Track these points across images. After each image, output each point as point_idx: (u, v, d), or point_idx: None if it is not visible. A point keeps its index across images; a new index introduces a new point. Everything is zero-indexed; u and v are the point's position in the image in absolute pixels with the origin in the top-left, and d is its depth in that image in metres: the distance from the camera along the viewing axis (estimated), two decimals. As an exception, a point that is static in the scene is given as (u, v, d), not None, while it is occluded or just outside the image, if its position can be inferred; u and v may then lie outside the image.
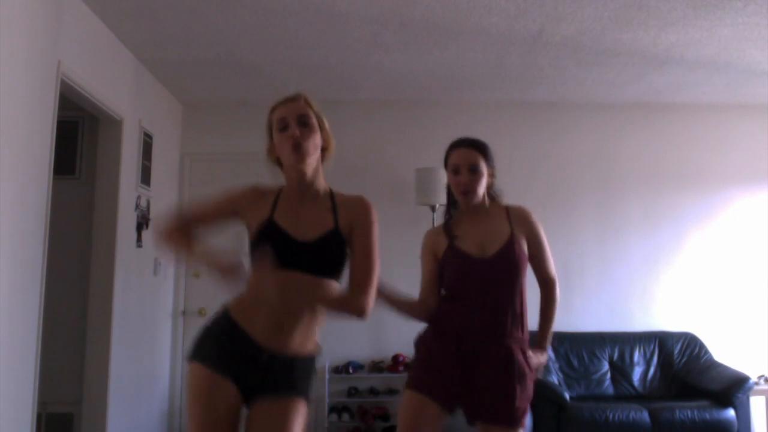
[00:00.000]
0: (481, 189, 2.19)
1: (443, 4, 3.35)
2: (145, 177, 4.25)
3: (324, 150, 1.92)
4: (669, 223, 5.11)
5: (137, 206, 4.11)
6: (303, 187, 1.87)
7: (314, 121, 1.91)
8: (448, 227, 2.23)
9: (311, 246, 1.78)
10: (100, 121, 3.85)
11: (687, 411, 4.09)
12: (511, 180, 4.97)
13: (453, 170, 2.20)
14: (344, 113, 5.16)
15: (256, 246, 1.79)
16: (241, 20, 3.55)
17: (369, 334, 4.80)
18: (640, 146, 5.18)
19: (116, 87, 3.79)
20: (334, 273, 1.84)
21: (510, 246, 2.14)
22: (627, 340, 4.77)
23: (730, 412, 4.11)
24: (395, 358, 4.73)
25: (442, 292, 2.24)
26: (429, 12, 3.45)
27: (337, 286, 1.84)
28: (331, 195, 1.91)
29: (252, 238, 1.84)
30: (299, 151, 1.81)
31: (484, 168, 2.19)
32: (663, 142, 5.19)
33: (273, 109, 1.94)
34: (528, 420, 3.98)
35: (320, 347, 1.95)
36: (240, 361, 1.77)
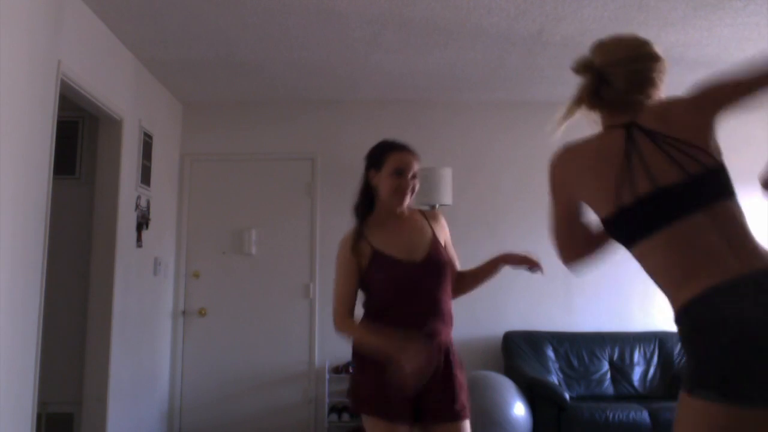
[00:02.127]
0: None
1: (443, 4, 3.35)
2: (145, 177, 4.25)
3: None
4: (669, 223, 5.10)
5: (137, 206, 4.11)
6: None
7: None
8: (362, 233, 2.15)
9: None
10: (100, 121, 3.85)
11: (687, 411, 4.09)
12: (510, 180, 5.05)
13: (397, 172, 2.13)
14: (344, 113, 5.17)
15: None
16: (241, 20, 3.55)
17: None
18: (640, 146, 5.17)
19: (116, 87, 3.79)
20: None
21: (435, 247, 2.14)
22: (627, 340, 4.77)
23: (730, 412, 4.11)
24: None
25: (365, 302, 2.17)
26: (429, 12, 3.45)
27: None
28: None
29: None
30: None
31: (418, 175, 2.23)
32: (663, 142, 5.18)
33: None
34: (528, 419, 3.99)
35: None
36: None
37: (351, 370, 2.22)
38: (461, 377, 2.10)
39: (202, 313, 4.88)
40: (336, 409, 4.74)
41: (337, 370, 4.75)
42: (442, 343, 2.06)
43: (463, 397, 2.07)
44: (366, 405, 2.05)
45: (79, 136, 4.13)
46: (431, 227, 2.19)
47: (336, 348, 4.86)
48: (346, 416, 4.68)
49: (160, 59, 4.15)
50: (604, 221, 1.54)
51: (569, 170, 1.69)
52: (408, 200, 2.17)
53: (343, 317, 2.16)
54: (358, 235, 2.15)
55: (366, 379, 2.09)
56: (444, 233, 2.24)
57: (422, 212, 2.26)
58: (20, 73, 2.69)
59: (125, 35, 3.77)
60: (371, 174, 2.19)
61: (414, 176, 2.17)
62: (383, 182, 2.15)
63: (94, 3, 3.33)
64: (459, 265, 2.27)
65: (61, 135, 3.08)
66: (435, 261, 2.11)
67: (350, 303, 2.15)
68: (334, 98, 5.09)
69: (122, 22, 3.58)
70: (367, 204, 2.22)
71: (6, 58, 2.55)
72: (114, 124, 3.84)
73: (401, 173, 2.14)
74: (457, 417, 2.03)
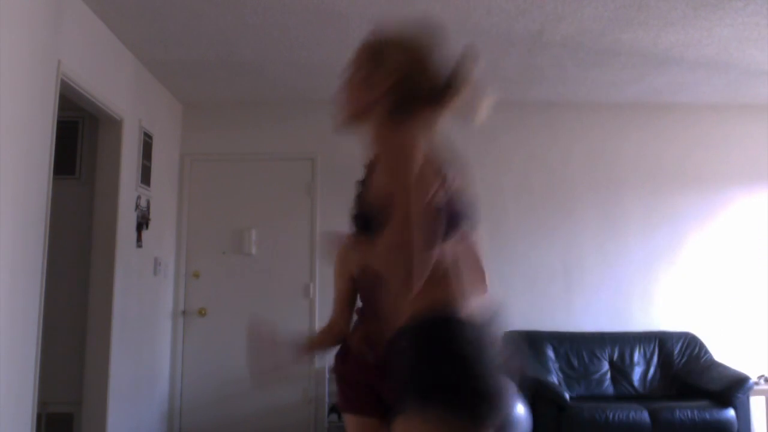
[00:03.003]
0: None
1: (443, 4, 3.35)
2: (145, 177, 4.25)
3: None
4: (669, 223, 5.11)
5: (137, 206, 4.11)
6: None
7: None
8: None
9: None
10: (100, 121, 3.85)
11: (687, 411, 4.09)
12: (510, 180, 5.04)
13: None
14: (344, 113, 5.17)
15: None
16: (241, 20, 3.55)
17: (369, 334, 4.79)
18: (640, 146, 5.18)
19: (116, 87, 3.79)
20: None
21: None
22: (627, 340, 4.77)
23: (730, 412, 4.11)
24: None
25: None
26: (429, 12, 3.44)
27: None
28: None
29: None
30: None
31: None
32: (663, 142, 5.19)
33: None
34: (528, 419, 3.99)
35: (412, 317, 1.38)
36: None
37: None
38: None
39: (202, 313, 4.88)
40: (336, 409, 4.73)
41: (337, 370, 4.75)
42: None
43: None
44: (339, 403, 2.15)
45: (79, 136, 4.12)
46: None
47: (336, 348, 4.86)
48: (346, 416, 4.68)
49: (160, 59, 4.15)
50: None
51: None
52: None
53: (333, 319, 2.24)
54: (351, 245, 2.16)
55: (340, 385, 2.16)
56: None
57: None
58: (20, 73, 2.69)
59: (125, 35, 3.77)
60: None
61: None
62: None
63: (94, 3, 3.33)
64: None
65: (61, 135, 3.08)
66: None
67: (345, 307, 2.24)
68: (334, 98, 5.08)
69: (122, 22, 3.58)
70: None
71: (6, 58, 2.55)
72: (114, 124, 3.84)
73: None
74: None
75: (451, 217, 1.36)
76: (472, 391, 1.22)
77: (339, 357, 2.18)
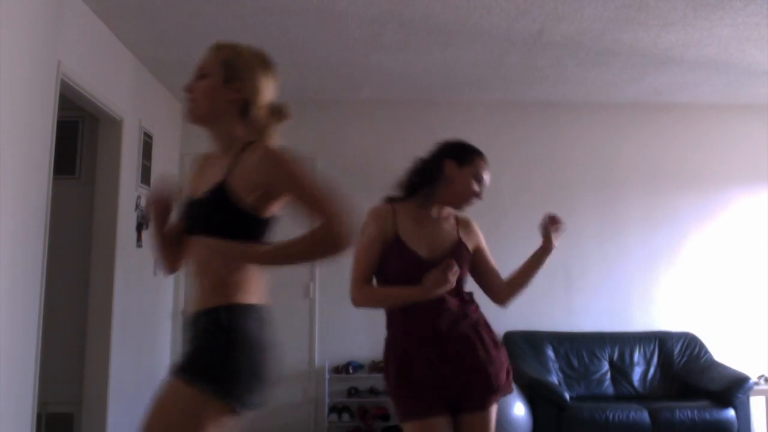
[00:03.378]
0: None
1: (443, 4, 3.35)
2: (145, 177, 4.25)
3: None
4: (669, 223, 5.11)
5: (137, 206, 4.11)
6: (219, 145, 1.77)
7: None
8: (395, 211, 2.12)
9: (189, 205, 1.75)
10: (100, 121, 3.85)
11: (687, 411, 4.09)
12: (510, 180, 5.05)
13: (476, 178, 2.18)
14: (344, 113, 5.17)
15: None
16: (241, 20, 3.55)
17: (369, 334, 4.80)
18: (640, 146, 5.18)
19: (116, 87, 3.79)
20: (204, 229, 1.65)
21: (458, 250, 2.12)
22: (627, 340, 4.77)
23: (730, 412, 4.11)
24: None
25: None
26: (429, 12, 3.45)
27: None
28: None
29: None
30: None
31: None
32: (663, 142, 5.19)
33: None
34: (528, 419, 3.99)
35: (230, 301, 1.61)
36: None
37: (386, 384, 2.16)
38: (497, 357, 2.06)
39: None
40: (336, 409, 4.73)
41: (337, 370, 4.75)
42: (460, 335, 2.04)
43: (497, 379, 2.02)
44: (407, 416, 2.01)
45: (79, 136, 4.12)
46: (458, 232, 2.18)
47: (336, 348, 4.86)
48: (346, 416, 4.68)
49: (160, 59, 4.15)
50: None
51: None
52: (467, 207, 2.20)
53: (361, 287, 2.13)
54: (393, 211, 2.12)
55: (401, 387, 2.05)
56: (475, 240, 2.22)
57: (456, 217, 2.23)
58: (20, 73, 2.69)
59: (125, 35, 3.77)
60: (449, 164, 2.15)
61: (485, 187, 2.22)
62: (463, 179, 2.14)
63: (94, 3, 3.33)
64: (499, 273, 2.25)
65: (61, 135, 3.08)
66: (452, 258, 2.05)
67: (370, 277, 2.14)
68: (334, 98, 5.09)
69: (122, 22, 3.58)
70: (421, 186, 2.15)
71: (6, 58, 2.55)
72: (114, 124, 3.84)
73: (480, 181, 2.19)
74: (483, 404, 2.02)
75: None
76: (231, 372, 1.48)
77: (402, 347, 2.06)
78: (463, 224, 2.22)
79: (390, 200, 2.18)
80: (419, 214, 2.13)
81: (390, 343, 2.13)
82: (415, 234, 2.09)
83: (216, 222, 1.59)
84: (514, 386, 2.15)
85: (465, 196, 2.16)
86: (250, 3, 3.35)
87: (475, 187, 2.16)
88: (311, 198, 1.57)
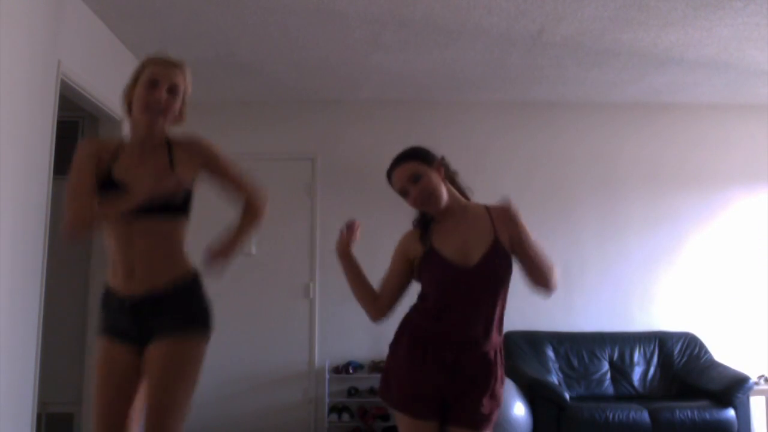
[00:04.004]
0: (440, 191, 2.03)
1: (443, 4, 3.35)
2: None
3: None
4: (669, 223, 5.11)
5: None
6: (147, 139, 2.01)
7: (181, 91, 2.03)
8: (424, 236, 2.08)
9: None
10: (100, 121, 3.85)
11: (687, 411, 4.09)
12: (510, 180, 5.05)
13: (402, 193, 2.07)
14: (344, 113, 5.17)
15: (100, 200, 1.90)
16: (241, 20, 3.55)
17: (369, 334, 4.80)
18: (640, 146, 5.18)
19: (116, 87, 3.76)
20: (176, 214, 1.99)
21: (494, 252, 1.99)
22: (627, 340, 4.77)
23: (730, 412, 4.11)
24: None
25: (417, 299, 2.11)
26: (429, 12, 3.45)
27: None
28: (168, 144, 2.04)
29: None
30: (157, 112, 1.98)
31: (428, 172, 2.04)
32: (663, 142, 5.19)
33: (147, 64, 2.03)
34: (528, 419, 3.99)
35: (190, 267, 2.02)
36: (117, 319, 1.93)
37: (387, 361, 2.15)
38: (497, 389, 2.03)
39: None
40: (336, 409, 4.73)
41: (337, 370, 4.75)
42: (480, 353, 1.99)
43: (488, 409, 2.00)
44: (396, 400, 2.03)
45: (79, 136, 4.12)
46: (494, 227, 2.03)
47: (336, 348, 4.86)
48: (346, 416, 4.68)
49: (160, 59, 4.15)
50: None
51: None
52: (433, 204, 2.04)
53: (377, 309, 2.13)
54: (416, 234, 2.10)
55: (398, 374, 2.05)
56: (510, 230, 2.03)
57: (487, 208, 2.09)
58: (20, 73, 2.69)
59: (125, 35, 3.77)
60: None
61: (416, 180, 2.04)
62: (406, 198, 2.11)
63: (94, 3, 3.33)
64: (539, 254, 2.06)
65: (61, 135, 3.08)
66: (488, 268, 1.98)
67: (386, 289, 2.11)
68: (334, 98, 5.09)
69: (122, 22, 3.58)
70: (423, 221, 2.13)
71: (6, 58, 2.55)
72: (114, 124, 3.83)
73: (405, 193, 2.07)
74: (474, 426, 1.99)
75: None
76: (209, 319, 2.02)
77: (409, 346, 2.05)
78: (499, 216, 2.06)
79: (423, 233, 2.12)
80: (447, 223, 2.07)
81: (405, 329, 2.11)
82: (448, 241, 2.03)
83: (176, 204, 1.95)
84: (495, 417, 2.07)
85: (420, 209, 2.08)
86: (250, 3, 3.35)
87: (409, 201, 2.07)
88: (237, 178, 2.16)
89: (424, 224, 2.10)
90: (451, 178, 2.13)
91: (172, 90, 1.97)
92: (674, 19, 3.51)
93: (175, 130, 2.07)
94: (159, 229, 1.93)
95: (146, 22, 3.59)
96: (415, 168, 2.05)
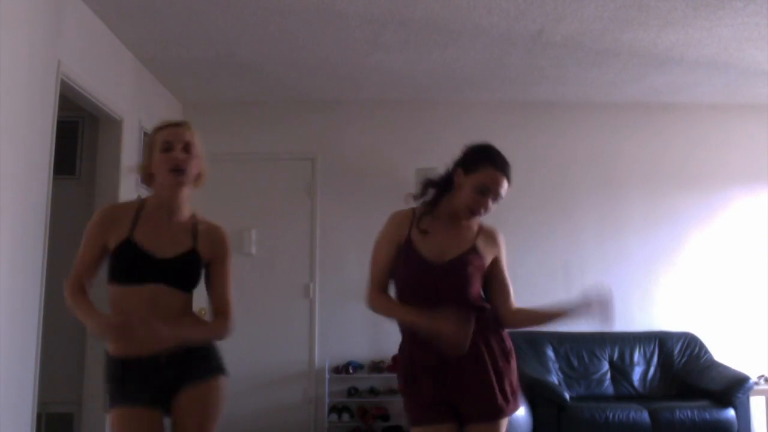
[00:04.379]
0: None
1: (443, 4, 3.35)
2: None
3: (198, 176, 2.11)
4: (669, 223, 5.11)
5: (137, 206, 4.11)
6: (171, 204, 2.04)
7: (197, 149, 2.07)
8: (418, 219, 2.07)
9: (170, 262, 1.96)
10: (100, 121, 3.85)
11: (687, 411, 4.09)
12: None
13: (480, 190, 2.00)
14: (344, 113, 5.17)
15: (115, 262, 1.96)
16: (241, 20, 3.55)
17: (369, 334, 4.79)
18: (641, 146, 5.18)
19: (116, 87, 3.79)
20: (189, 288, 2.05)
21: (468, 255, 2.02)
22: (627, 340, 4.77)
23: (730, 412, 4.11)
24: (395, 358, 4.73)
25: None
26: (429, 12, 3.45)
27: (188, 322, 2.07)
28: (194, 221, 2.10)
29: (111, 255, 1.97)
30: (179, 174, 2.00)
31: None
32: (663, 142, 5.19)
33: (157, 130, 2.07)
34: (528, 419, 3.99)
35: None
36: (143, 382, 1.90)
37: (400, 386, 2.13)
38: (505, 370, 2.02)
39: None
40: (336, 409, 4.73)
41: (337, 370, 4.75)
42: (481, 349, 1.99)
43: (499, 399, 1.97)
44: (408, 418, 2.03)
45: (79, 136, 4.12)
46: (476, 240, 2.07)
47: (336, 348, 4.86)
48: (346, 416, 4.68)
49: (160, 59, 4.15)
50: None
51: None
52: (475, 218, 2.06)
53: (377, 292, 2.07)
54: (413, 215, 2.08)
55: (402, 390, 2.06)
56: (494, 252, 2.09)
57: (481, 225, 2.12)
58: (20, 73, 2.69)
59: (125, 35, 3.77)
60: (458, 172, 2.05)
61: (496, 199, 2.03)
62: (464, 190, 2.02)
63: (94, 3, 3.33)
64: (512, 295, 2.15)
65: (61, 135, 3.08)
66: (460, 263, 2.00)
67: (385, 280, 2.08)
68: (334, 98, 5.08)
69: (122, 22, 3.58)
70: (438, 193, 2.10)
71: (6, 58, 2.55)
72: (114, 124, 3.84)
73: (485, 193, 2.00)
74: (491, 416, 1.97)
75: None
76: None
77: (409, 351, 2.05)
78: (486, 234, 2.10)
79: (414, 206, 2.12)
80: (438, 220, 2.07)
81: (400, 348, 2.12)
82: (427, 239, 2.03)
83: (191, 279, 2.05)
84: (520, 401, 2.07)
85: (463, 208, 2.03)
86: (250, 3, 3.35)
87: (475, 199, 2.00)
88: (226, 290, 2.21)
89: (426, 211, 2.08)
90: None
91: (187, 149, 2.02)
92: (674, 19, 3.51)
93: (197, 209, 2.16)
94: (174, 299, 2.00)
95: (146, 22, 3.59)
96: (505, 190, 2.06)
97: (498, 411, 1.98)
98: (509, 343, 2.11)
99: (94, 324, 1.88)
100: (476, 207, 2.01)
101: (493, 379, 1.98)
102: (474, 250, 2.04)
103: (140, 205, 2.03)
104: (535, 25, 3.61)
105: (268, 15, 3.50)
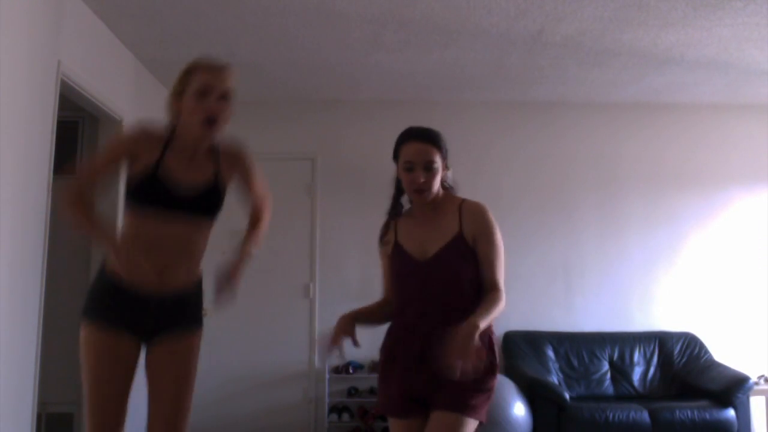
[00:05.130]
0: (436, 185, 1.99)
1: (443, 4, 3.35)
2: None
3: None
4: (669, 223, 5.11)
5: (137, 206, 4.10)
6: (197, 146, 2.00)
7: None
8: (389, 224, 2.10)
9: (193, 194, 1.95)
10: (100, 121, 3.85)
11: (687, 411, 4.09)
12: (511, 180, 5.05)
13: (405, 168, 1.98)
14: (344, 113, 5.17)
15: (138, 188, 1.90)
16: (241, 20, 3.55)
17: (369, 334, 4.78)
18: (641, 146, 5.18)
19: (116, 87, 3.79)
20: (212, 215, 2.05)
21: (451, 246, 1.95)
22: (627, 340, 4.77)
23: (730, 412, 4.11)
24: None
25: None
26: (429, 12, 3.45)
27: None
28: (216, 150, 2.08)
29: (135, 179, 1.91)
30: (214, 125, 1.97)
31: (440, 163, 1.98)
32: (663, 142, 5.19)
33: (195, 70, 2.01)
34: (528, 419, 3.99)
35: (201, 272, 2.10)
36: (130, 312, 1.89)
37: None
38: (479, 378, 1.87)
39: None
40: (336, 409, 4.73)
41: (337, 370, 4.75)
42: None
43: (470, 398, 1.88)
44: (381, 407, 2.09)
45: (79, 136, 4.12)
46: (460, 222, 1.97)
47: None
48: (346, 416, 4.68)
49: (160, 59, 4.15)
50: None
51: None
52: (426, 196, 1.98)
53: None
54: (386, 228, 2.12)
55: (380, 379, 2.12)
56: (478, 229, 1.96)
57: (461, 203, 2.01)
58: (20, 73, 2.69)
59: (125, 35, 3.77)
60: (396, 168, 2.06)
61: (429, 169, 1.96)
62: (402, 177, 2.02)
63: (94, 3, 3.33)
64: (498, 273, 1.95)
65: (61, 135, 3.08)
66: (442, 261, 1.96)
67: (389, 286, 2.14)
68: (334, 98, 5.09)
69: (122, 22, 3.58)
70: (398, 195, 2.12)
71: (6, 58, 2.55)
72: (114, 124, 3.83)
73: (410, 169, 1.97)
74: (454, 408, 1.88)
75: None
76: None
77: (387, 342, 2.12)
78: (468, 213, 1.99)
79: (390, 216, 2.14)
80: (416, 217, 2.07)
81: (387, 331, 2.17)
82: (412, 237, 2.04)
83: (216, 206, 2.04)
84: (485, 414, 1.91)
85: (408, 193, 2.02)
86: (250, 3, 3.35)
87: (407, 178, 1.98)
88: (261, 192, 2.28)
89: (393, 214, 2.12)
90: (445, 173, 2.07)
91: (225, 96, 1.98)
92: (674, 19, 3.51)
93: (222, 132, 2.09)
94: (197, 230, 1.99)
95: (146, 22, 3.59)
96: (432, 155, 1.98)
97: (464, 409, 1.88)
98: (492, 354, 1.97)
99: (103, 244, 1.88)
100: (411, 185, 1.98)
101: (467, 385, 1.86)
102: (457, 238, 1.96)
103: (171, 134, 1.97)
104: (535, 25, 3.61)
105: (268, 15, 3.50)
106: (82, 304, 1.94)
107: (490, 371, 1.95)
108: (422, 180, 1.96)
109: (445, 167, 2.04)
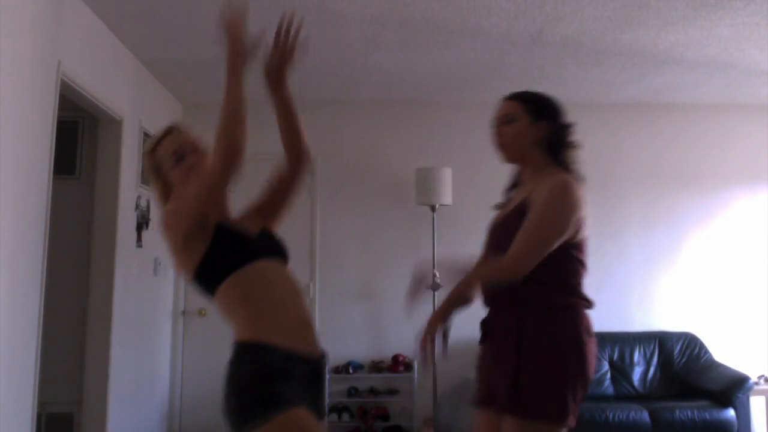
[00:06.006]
0: (518, 144, 1.86)
1: (443, 4, 3.35)
2: (145, 177, 4.25)
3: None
4: (669, 223, 5.11)
5: (137, 206, 4.11)
6: None
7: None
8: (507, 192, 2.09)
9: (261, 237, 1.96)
10: (100, 121, 3.85)
11: (687, 411, 4.09)
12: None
13: (490, 126, 1.99)
14: (344, 113, 5.17)
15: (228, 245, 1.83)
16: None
17: (369, 334, 4.80)
18: (640, 146, 5.18)
19: (116, 87, 3.79)
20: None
21: (515, 212, 1.82)
22: (627, 340, 4.77)
23: (730, 412, 4.11)
24: (395, 358, 4.73)
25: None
26: (429, 12, 3.45)
27: None
28: None
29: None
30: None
31: (523, 119, 1.85)
32: (663, 142, 5.19)
33: (154, 149, 1.96)
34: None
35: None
36: (306, 390, 1.67)
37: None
38: (545, 360, 1.78)
39: (202, 313, 4.88)
40: (336, 409, 4.73)
41: (337, 370, 4.75)
42: (504, 319, 1.82)
43: (541, 389, 1.75)
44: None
45: (79, 136, 4.12)
46: (532, 191, 1.83)
47: (336, 348, 4.85)
48: (346, 416, 4.68)
49: (160, 59, 4.15)
50: None
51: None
52: (504, 153, 1.95)
53: None
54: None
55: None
56: (535, 197, 1.81)
57: (551, 175, 1.84)
58: (20, 73, 2.69)
59: (125, 35, 3.77)
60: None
61: (506, 122, 1.91)
62: None
63: (94, 3, 3.33)
64: (521, 244, 1.77)
65: (61, 135, 3.08)
66: (500, 225, 1.91)
67: None
68: (334, 98, 5.08)
69: (122, 22, 3.58)
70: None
71: (6, 58, 2.55)
72: (114, 124, 3.84)
73: (493, 125, 1.99)
74: (505, 409, 1.76)
75: None
76: None
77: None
78: (543, 184, 1.83)
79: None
80: (523, 182, 2.01)
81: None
82: (509, 203, 2.00)
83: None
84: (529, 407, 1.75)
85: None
86: (250, 3, 3.34)
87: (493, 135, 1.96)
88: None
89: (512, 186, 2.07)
90: (552, 144, 1.88)
91: (195, 149, 2.00)
92: (674, 19, 3.51)
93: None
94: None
95: (146, 22, 3.59)
96: (511, 108, 1.92)
97: (524, 409, 1.72)
98: (534, 328, 1.79)
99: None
100: (493, 141, 1.96)
101: (526, 371, 1.74)
102: (518, 209, 1.84)
103: None
104: (535, 25, 3.61)
105: (269, 15, 3.49)
106: (253, 394, 1.56)
107: (537, 361, 1.80)
108: (496, 137, 1.94)
109: (539, 135, 1.87)
